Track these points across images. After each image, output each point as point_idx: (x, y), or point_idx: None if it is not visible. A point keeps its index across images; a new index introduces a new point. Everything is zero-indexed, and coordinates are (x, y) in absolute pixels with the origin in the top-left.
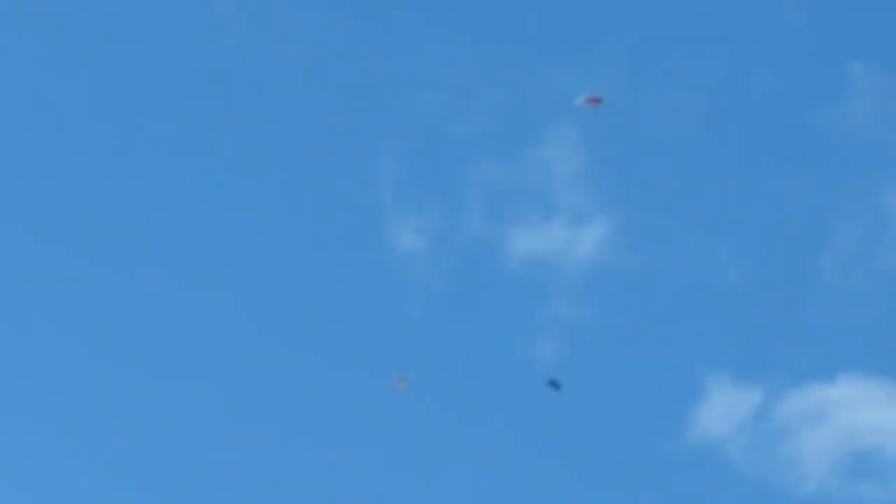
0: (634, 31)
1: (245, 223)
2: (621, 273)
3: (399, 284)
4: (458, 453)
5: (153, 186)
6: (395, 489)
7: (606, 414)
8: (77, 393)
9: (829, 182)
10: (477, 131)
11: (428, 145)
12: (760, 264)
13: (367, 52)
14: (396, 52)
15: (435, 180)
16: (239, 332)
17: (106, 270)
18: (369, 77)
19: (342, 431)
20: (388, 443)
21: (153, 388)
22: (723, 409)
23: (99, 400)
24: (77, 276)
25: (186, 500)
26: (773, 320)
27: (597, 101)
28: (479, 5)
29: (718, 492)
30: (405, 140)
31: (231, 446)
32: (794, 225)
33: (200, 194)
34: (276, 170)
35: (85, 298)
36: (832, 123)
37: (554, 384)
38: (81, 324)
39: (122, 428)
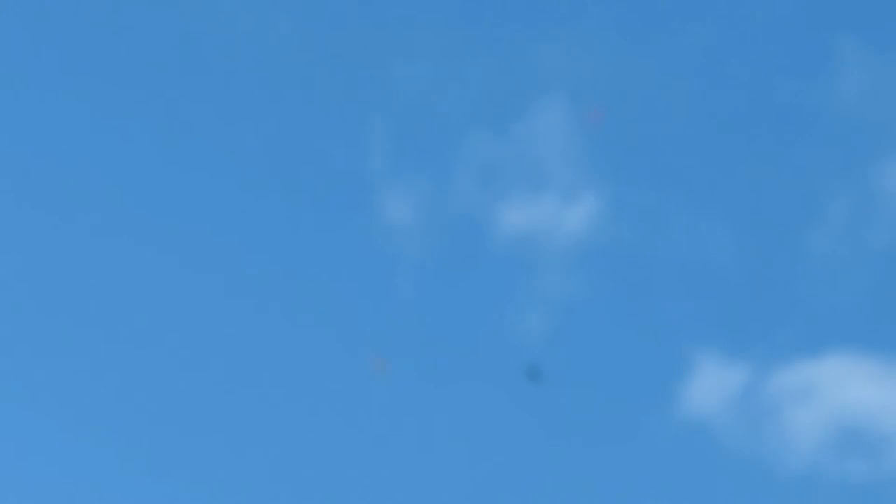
0: (623, 3)
1: (231, 194)
2: (611, 248)
3: (387, 257)
4: (443, 427)
5: (136, 156)
6: (379, 462)
7: (593, 389)
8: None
9: (818, 158)
10: (465, 103)
11: (416, 117)
12: (749, 240)
13: (353, 22)
14: (383, 22)
15: (423, 152)
16: (223, 303)
17: (86, 241)
18: (356, 48)
19: (328, 404)
20: (373, 415)
21: (136, 357)
22: (710, 386)
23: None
24: (56, 243)
25: (163, 470)
26: (762, 296)
27: (598, 115)
28: None
29: (705, 469)
30: (393, 112)
31: (215, 420)
32: (783, 201)
33: (183, 167)
34: (261, 141)
35: (64, 271)
36: (821, 98)
37: (533, 373)
38: (55, 293)
39: (105, 394)
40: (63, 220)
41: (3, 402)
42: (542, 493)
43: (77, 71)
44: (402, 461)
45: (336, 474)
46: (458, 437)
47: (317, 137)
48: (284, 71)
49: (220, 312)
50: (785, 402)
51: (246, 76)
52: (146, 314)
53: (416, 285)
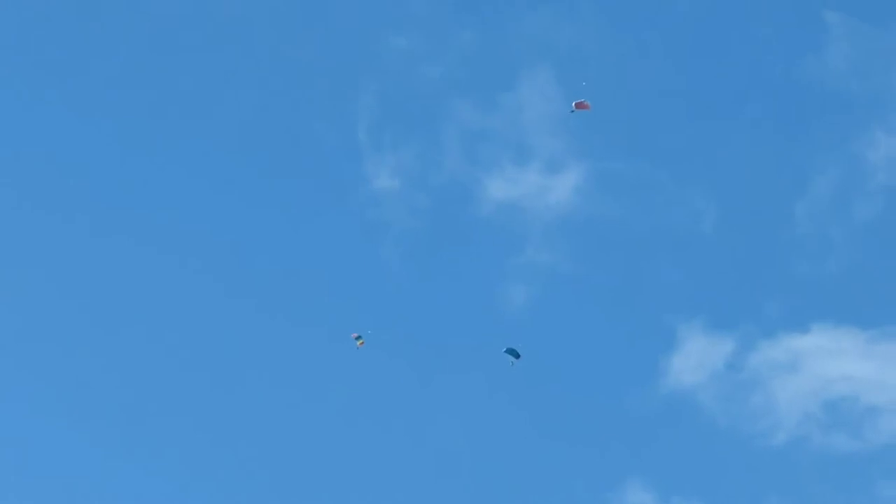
0: None
1: (220, 165)
2: (595, 220)
3: (374, 223)
4: (429, 395)
5: (127, 129)
6: (368, 427)
7: (578, 361)
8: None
9: (805, 132)
10: (451, 74)
11: (403, 88)
12: (735, 214)
13: None
14: None
15: (410, 123)
16: (215, 270)
17: (82, 219)
18: (345, 20)
19: (318, 368)
20: (360, 381)
21: (138, 326)
22: (695, 359)
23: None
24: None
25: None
26: (747, 270)
27: (584, 105)
28: None
29: (690, 440)
30: (380, 83)
31: (211, 381)
32: (769, 174)
33: (173, 139)
34: (253, 111)
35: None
36: (809, 73)
37: (513, 353)
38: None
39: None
40: (42, 187)
41: (7, 396)
42: (527, 462)
43: (63, 48)
44: (388, 421)
45: (319, 441)
46: (444, 406)
47: (305, 108)
48: (274, 43)
49: (209, 280)
50: (769, 374)
51: (236, 50)
52: (155, 282)
53: (401, 253)
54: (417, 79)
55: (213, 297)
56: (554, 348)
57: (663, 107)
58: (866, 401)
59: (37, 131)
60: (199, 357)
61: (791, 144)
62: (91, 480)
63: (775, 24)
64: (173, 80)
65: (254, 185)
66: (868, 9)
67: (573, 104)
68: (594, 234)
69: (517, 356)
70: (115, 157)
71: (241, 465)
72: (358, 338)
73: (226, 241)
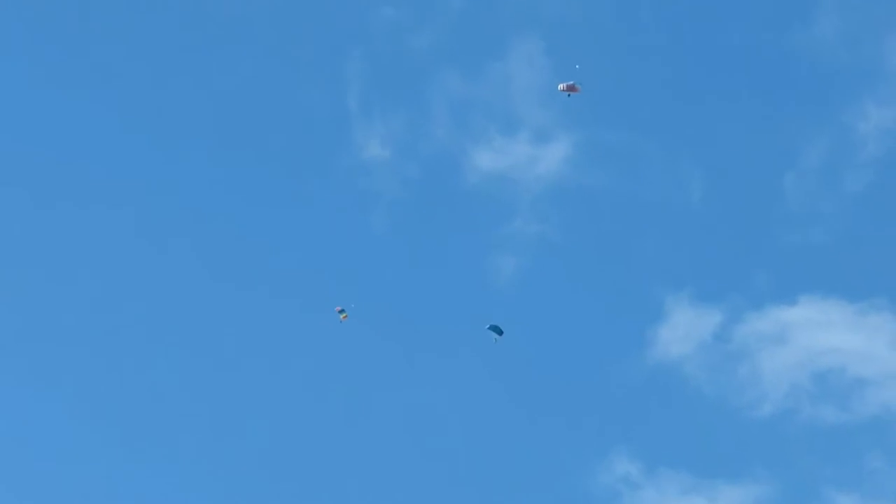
0: None
1: (211, 134)
2: (583, 191)
3: (362, 192)
4: (417, 365)
5: (112, 97)
6: (355, 399)
7: (565, 331)
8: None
9: (794, 103)
10: (439, 43)
11: (392, 57)
12: (724, 185)
13: None
14: None
15: (399, 92)
16: (203, 240)
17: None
18: None
19: (306, 338)
20: (349, 351)
21: (125, 298)
22: (683, 330)
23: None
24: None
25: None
26: (736, 241)
27: (574, 89)
28: None
29: (677, 411)
30: (369, 51)
31: (198, 351)
32: (758, 145)
33: (164, 112)
34: (242, 81)
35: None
36: (798, 45)
37: (496, 330)
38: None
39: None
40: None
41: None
42: (514, 432)
43: (55, 19)
44: (376, 390)
45: (307, 411)
46: (432, 376)
47: (294, 76)
48: (263, 14)
49: (196, 249)
50: (757, 346)
51: (225, 21)
52: (145, 244)
53: (390, 221)
54: (406, 48)
55: (200, 266)
56: (542, 318)
57: (652, 78)
58: (853, 372)
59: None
60: (184, 327)
61: (781, 115)
62: (82, 464)
63: None
64: (160, 52)
65: (243, 154)
66: None
67: (563, 85)
68: (582, 205)
69: (500, 333)
70: (101, 125)
71: (227, 435)
72: (341, 311)
73: (214, 212)
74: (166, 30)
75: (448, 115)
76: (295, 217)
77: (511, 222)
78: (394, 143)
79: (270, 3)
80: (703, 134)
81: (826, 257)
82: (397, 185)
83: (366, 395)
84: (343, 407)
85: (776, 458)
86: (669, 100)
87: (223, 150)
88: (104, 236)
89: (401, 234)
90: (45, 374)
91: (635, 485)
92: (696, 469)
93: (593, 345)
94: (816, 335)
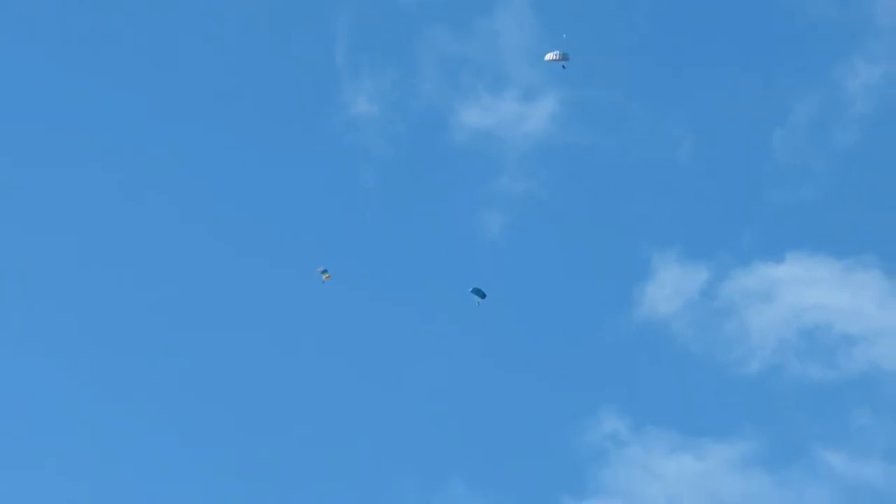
0: None
1: (200, 91)
2: (571, 149)
3: (351, 149)
4: (404, 322)
5: (104, 57)
6: (343, 354)
7: (552, 289)
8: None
9: (783, 60)
10: (429, 0)
11: (380, 13)
12: (712, 142)
13: None
14: None
15: (387, 49)
16: (191, 196)
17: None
18: None
19: (294, 295)
20: (337, 308)
21: (114, 253)
22: (670, 287)
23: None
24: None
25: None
26: (723, 199)
27: (563, 58)
28: None
29: (665, 369)
30: (357, 8)
31: (186, 309)
32: (746, 102)
33: (153, 69)
34: (230, 38)
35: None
36: (787, 1)
37: (478, 293)
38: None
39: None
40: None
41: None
42: (501, 390)
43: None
44: (362, 356)
45: (295, 366)
46: (419, 334)
47: (282, 32)
48: None
49: (184, 206)
50: (743, 304)
51: None
52: (131, 210)
53: (378, 177)
54: (394, 5)
55: (188, 225)
56: (528, 276)
57: (640, 35)
58: (841, 329)
59: None
60: (172, 284)
61: (769, 72)
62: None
63: None
64: (149, 11)
65: (231, 111)
66: None
67: (551, 55)
68: (570, 163)
69: (483, 296)
70: (92, 83)
71: (215, 390)
72: (324, 272)
73: (202, 169)
74: None
75: (435, 73)
76: (283, 172)
77: (498, 180)
78: (382, 99)
79: None
80: (692, 91)
81: (814, 214)
82: (385, 142)
83: (350, 354)
84: (327, 364)
85: (764, 415)
86: (657, 57)
87: (212, 107)
88: (95, 192)
89: (388, 190)
90: (44, 339)
91: (622, 442)
92: (683, 427)
93: (580, 303)
94: (803, 292)
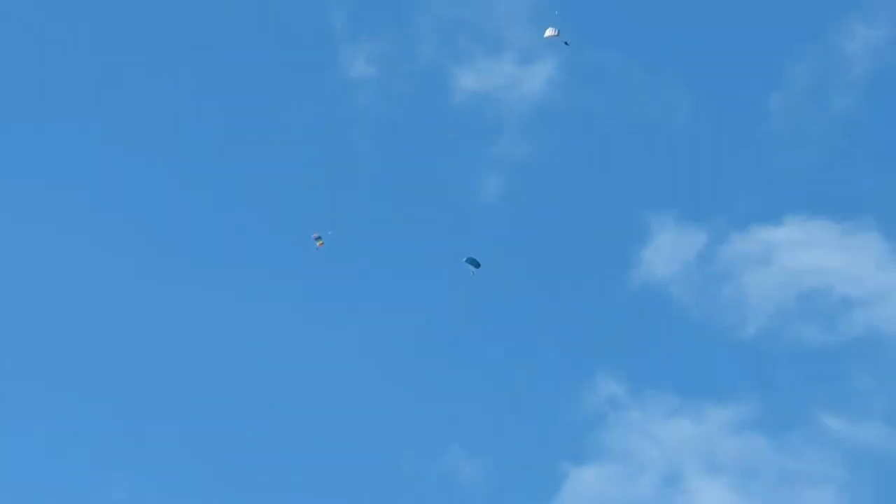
0: None
1: (194, 53)
2: (568, 111)
3: (347, 111)
4: (401, 286)
5: (91, 21)
6: (337, 321)
7: (550, 252)
8: None
9: (781, 22)
10: None
11: None
12: (709, 104)
13: None
14: None
15: (385, 11)
16: (186, 159)
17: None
18: None
19: (290, 257)
20: (332, 273)
21: (102, 224)
22: (667, 251)
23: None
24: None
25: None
26: (721, 162)
27: (556, 34)
28: None
29: (662, 333)
30: None
31: (177, 273)
32: (744, 64)
33: (147, 32)
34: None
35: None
36: None
37: (473, 263)
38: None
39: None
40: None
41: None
42: (499, 353)
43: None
44: (357, 321)
45: (291, 332)
46: (416, 297)
47: None
48: None
49: (177, 169)
50: (741, 267)
51: None
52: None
53: (374, 140)
54: None
55: (182, 185)
56: (526, 239)
57: None
58: (839, 293)
59: None
60: (162, 249)
61: (767, 35)
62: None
63: None
64: None
65: (226, 73)
66: None
67: (552, 31)
68: (567, 126)
69: (477, 266)
70: (76, 50)
71: (205, 347)
72: (318, 238)
73: (198, 130)
74: None
75: (433, 35)
76: (280, 135)
77: (496, 143)
78: (379, 59)
79: None
80: (690, 54)
81: (812, 177)
82: (383, 104)
83: (345, 318)
84: (321, 329)
85: (762, 379)
86: (655, 20)
87: (208, 69)
88: (86, 149)
89: (386, 154)
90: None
91: (621, 406)
92: (681, 390)
93: (578, 265)
94: (802, 255)
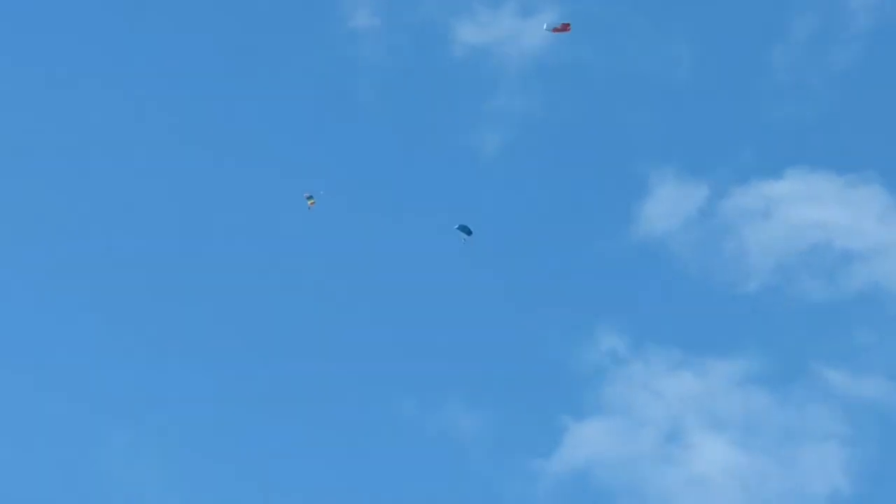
0: None
1: (197, 3)
2: (569, 65)
3: (349, 60)
4: (401, 241)
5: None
6: (334, 272)
7: (550, 207)
8: None
9: None
10: None
11: None
12: (711, 58)
13: None
14: None
15: None
16: (186, 114)
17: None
18: None
19: (290, 212)
20: (331, 228)
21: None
22: (667, 205)
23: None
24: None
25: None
26: (722, 116)
27: (565, 27)
28: None
29: (662, 288)
30: None
31: (181, 230)
32: (745, 18)
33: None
34: None
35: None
36: None
37: (465, 230)
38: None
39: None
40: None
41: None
42: (500, 309)
43: None
44: (358, 277)
45: (294, 290)
46: (416, 253)
47: None
48: None
49: (178, 125)
50: (742, 221)
51: None
52: (139, 129)
53: (375, 90)
54: None
55: (184, 141)
56: (526, 194)
57: None
58: (841, 246)
59: None
60: (164, 195)
61: None
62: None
63: None
64: None
65: (227, 23)
66: None
67: (556, 26)
68: (568, 80)
69: (469, 233)
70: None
71: (206, 297)
72: (309, 198)
73: (199, 82)
74: None
75: None
76: (281, 85)
77: (496, 97)
78: (380, 11)
79: None
80: (691, 6)
81: (814, 130)
82: (384, 55)
83: (345, 273)
84: (321, 283)
85: (764, 333)
86: None
87: (208, 18)
88: (93, 103)
89: (386, 105)
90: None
91: (622, 360)
92: (683, 345)
93: (578, 220)
94: (803, 209)
